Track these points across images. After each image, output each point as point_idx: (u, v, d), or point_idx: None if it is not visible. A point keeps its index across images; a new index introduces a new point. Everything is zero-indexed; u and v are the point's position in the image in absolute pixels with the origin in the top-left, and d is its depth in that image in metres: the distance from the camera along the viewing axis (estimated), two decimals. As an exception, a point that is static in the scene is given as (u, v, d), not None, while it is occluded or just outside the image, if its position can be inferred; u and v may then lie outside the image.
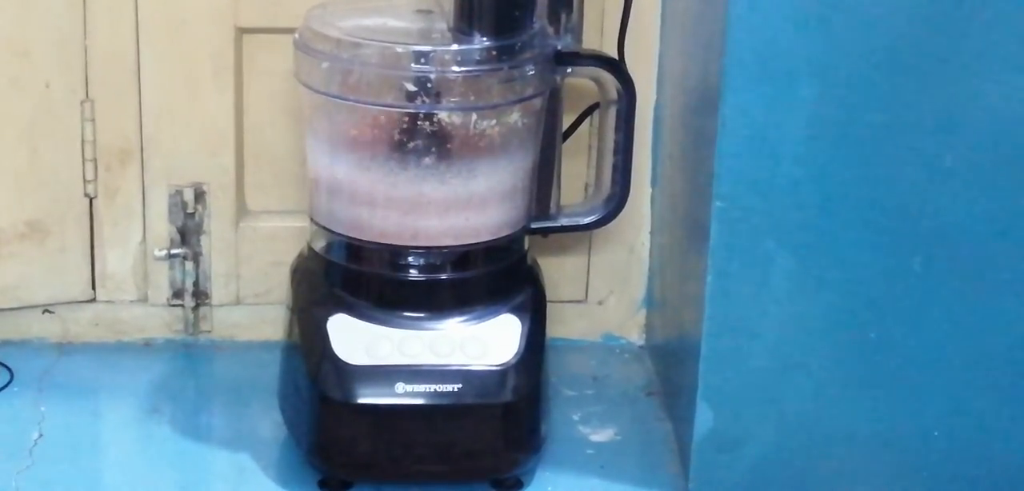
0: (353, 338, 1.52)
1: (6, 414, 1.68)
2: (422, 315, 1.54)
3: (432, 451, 1.52)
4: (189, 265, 1.79)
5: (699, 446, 1.54)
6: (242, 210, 1.80)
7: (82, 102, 1.74)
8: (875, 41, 1.41)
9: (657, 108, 1.78)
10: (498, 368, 1.52)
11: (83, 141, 1.74)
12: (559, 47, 1.57)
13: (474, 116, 1.50)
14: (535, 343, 1.54)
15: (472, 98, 1.50)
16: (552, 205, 1.65)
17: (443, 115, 1.50)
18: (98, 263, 1.79)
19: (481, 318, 1.54)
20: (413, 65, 1.48)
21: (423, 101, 1.49)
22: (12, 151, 1.73)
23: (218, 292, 1.81)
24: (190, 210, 1.78)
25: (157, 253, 1.78)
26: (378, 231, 1.53)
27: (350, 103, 1.51)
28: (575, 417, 1.72)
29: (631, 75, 1.59)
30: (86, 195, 1.77)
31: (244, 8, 1.73)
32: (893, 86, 1.42)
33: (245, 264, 1.81)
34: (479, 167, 1.52)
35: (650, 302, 1.86)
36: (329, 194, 1.55)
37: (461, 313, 1.54)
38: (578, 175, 1.79)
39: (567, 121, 1.71)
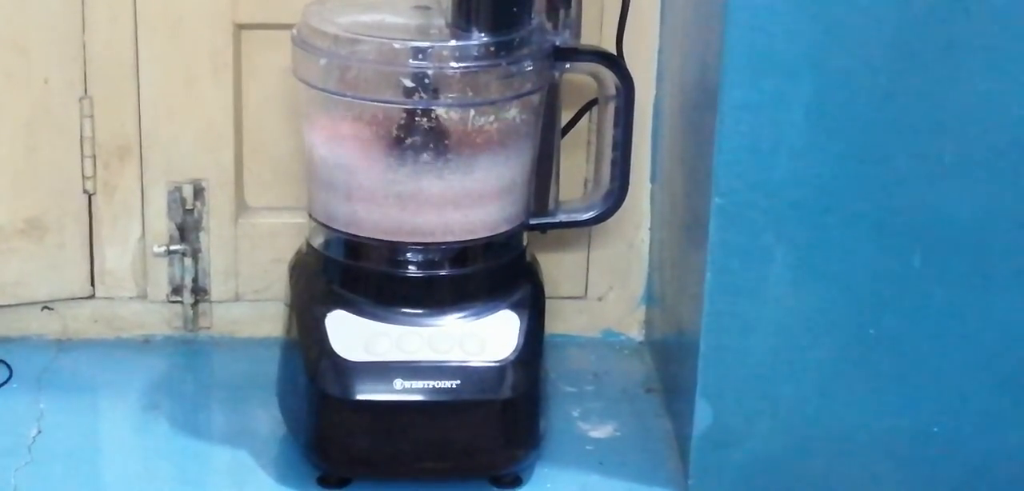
0: (352, 334, 1.51)
1: (5, 411, 1.68)
2: (421, 311, 1.54)
3: (431, 448, 1.52)
4: (188, 262, 1.79)
5: (698, 442, 1.54)
6: (241, 206, 1.80)
7: (81, 99, 1.73)
8: (874, 37, 1.40)
9: (656, 104, 1.78)
10: (497, 364, 1.52)
11: (82, 138, 1.74)
12: (557, 43, 1.57)
13: (472, 112, 1.50)
14: (534, 339, 1.54)
15: (470, 94, 1.50)
16: (551, 201, 1.65)
17: (441, 111, 1.50)
18: (97, 260, 1.79)
19: (480, 314, 1.54)
20: (411, 61, 1.48)
21: (421, 97, 1.49)
22: (11, 148, 1.73)
23: (217, 289, 1.81)
24: (189, 207, 1.78)
25: (156, 250, 1.78)
26: (376, 227, 1.53)
27: (348, 99, 1.51)
28: (574, 413, 1.71)
29: (630, 71, 1.59)
30: (85, 192, 1.77)
31: (242, 4, 1.73)
32: (892, 82, 1.42)
33: (244, 260, 1.81)
34: (477, 163, 1.52)
35: (649, 298, 1.86)
36: (327, 190, 1.55)
37: (460, 309, 1.54)
38: (577, 171, 1.79)
39: (566, 117, 1.70)
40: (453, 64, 1.49)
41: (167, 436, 1.65)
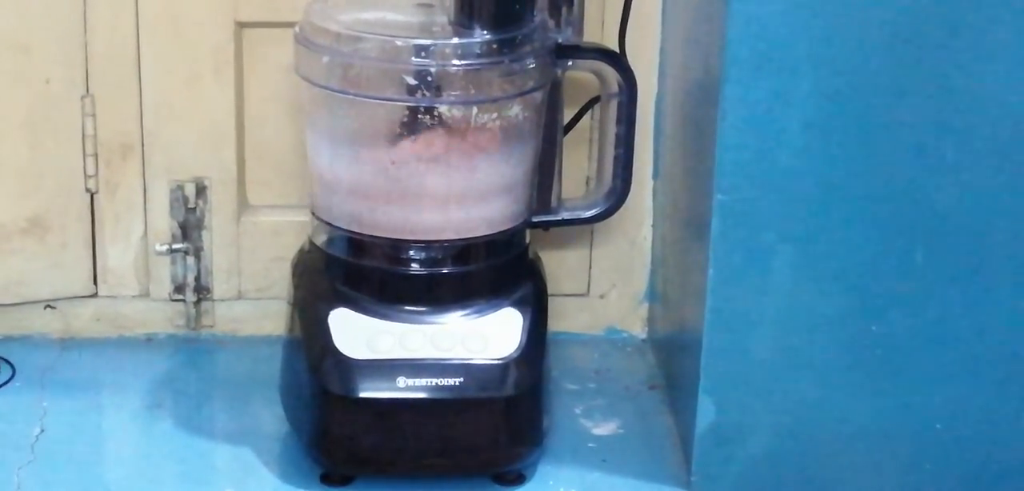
0: (355, 332, 1.51)
1: (8, 410, 1.68)
2: (423, 309, 1.54)
3: (434, 445, 1.52)
4: (190, 260, 1.79)
5: (701, 439, 1.54)
6: (243, 205, 1.80)
7: (83, 97, 1.73)
8: (875, 33, 1.40)
9: (658, 101, 1.78)
10: (500, 362, 1.52)
11: (84, 136, 1.74)
12: (560, 40, 1.57)
13: (474, 110, 1.50)
14: (536, 337, 1.54)
15: (472, 92, 1.50)
16: (553, 199, 1.65)
17: (444, 109, 1.50)
18: (99, 258, 1.80)
19: (482, 312, 1.54)
20: (413, 59, 1.48)
21: (423, 95, 1.49)
22: (13, 147, 1.73)
23: (219, 287, 1.81)
24: (191, 205, 1.78)
25: (158, 248, 1.78)
26: (379, 225, 1.53)
27: (350, 97, 1.51)
28: (577, 411, 1.71)
29: (632, 68, 1.59)
30: (87, 190, 1.77)
31: (244, 2, 1.73)
32: (894, 78, 1.42)
33: (246, 259, 1.81)
34: (480, 161, 1.52)
35: (652, 295, 1.86)
36: (330, 188, 1.55)
37: (462, 307, 1.54)
38: (579, 169, 1.79)
39: (568, 114, 1.70)
40: (455, 62, 1.49)
41: (170, 435, 1.65)
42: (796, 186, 1.45)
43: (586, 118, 1.75)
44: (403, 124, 1.50)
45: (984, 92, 1.42)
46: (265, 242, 1.80)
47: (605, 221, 1.67)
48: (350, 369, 1.50)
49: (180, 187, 1.77)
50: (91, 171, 1.76)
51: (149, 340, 1.83)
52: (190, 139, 1.76)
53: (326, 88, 1.52)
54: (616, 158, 1.61)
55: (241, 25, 1.74)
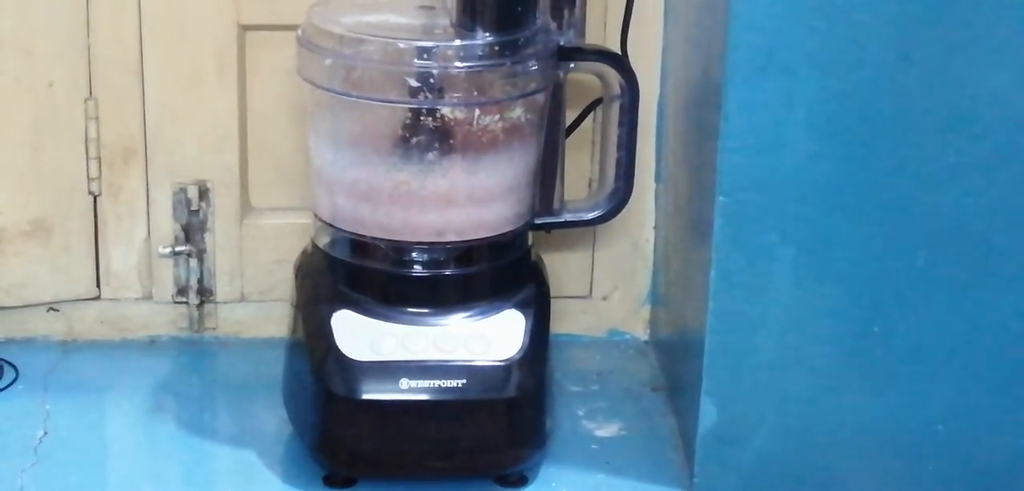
0: (357, 334, 1.52)
1: (11, 412, 1.68)
2: (426, 311, 1.54)
3: (436, 447, 1.52)
4: (193, 262, 1.80)
5: (703, 440, 1.54)
6: (246, 207, 1.80)
7: (86, 100, 1.74)
8: (877, 35, 1.41)
9: (660, 103, 1.78)
10: (502, 364, 1.52)
11: (87, 139, 1.75)
12: (562, 42, 1.57)
13: (477, 112, 1.50)
14: (539, 339, 1.54)
15: (475, 94, 1.50)
16: (556, 201, 1.65)
17: (446, 111, 1.50)
18: (102, 261, 1.80)
19: (485, 314, 1.54)
20: (416, 61, 1.48)
21: (426, 97, 1.49)
22: (16, 150, 1.73)
23: (222, 289, 1.81)
24: (194, 207, 1.78)
25: (161, 250, 1.79)
26: (382, 227, 1.53)
27: (353, 99, 1.51)
28: (580, 412, 1.72)
29: (634, 70, 1.59)
30: (90, 193, 1.77)
31: (247, 5, 1.73)
32: (896, 80, 1.42)
33: (249, 261, 1.81)
34: (482, 163, 1.52)
35: (654, 297, 1.86)
36: (332, 190, 1.55)
37: (465, 309, 1.54)
38: (581, 171, 1.79)
39: (570, 116, 1.71)
40: (458, 64, 1.49)
41: (173, 437, 1.65)
42: (798, 188, 1.45)
43: (588, 120, 1.75)
44: (405, 126, 1.51)
45: (986, 94, 1.42)
46: (268, 244, 1.80)
47: (607, 223, 1.67)
48: (353, 371, 1.50)
49: (183, 190, 1.77)
50: (94, 174, 1.76)
51: (152, 342, 1.83)
52: (193, 142, 1.76)
53: (329, 90, 1.52)
54: (618, 160, 1.61)
55: (244, 28, 1.74)
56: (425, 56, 1.48)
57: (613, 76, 1.58)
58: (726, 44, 1.41)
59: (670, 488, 1.58)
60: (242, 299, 1.82)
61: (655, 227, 1.84)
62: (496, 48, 1.50)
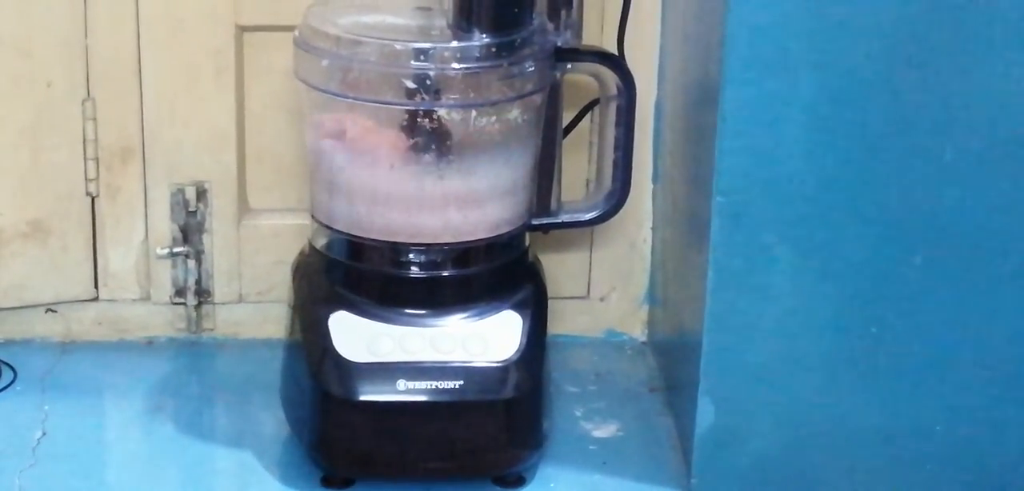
0: (355, 335, 1.52)
1: (9, 413, 1.68)
2: (423, 312, 1.54)
3: (434, 448, 1.53)
4: (191, 263, 1.80)
5: (701, 441, 1.54)
6: (244, 208, 1.80)
7: (84, 101, 1.74)
8: (875, 34, 1.41)
9: (657, 104, 1.78)
10: (500, 365, 1.52)
11: (85, 140, 1.75)
12: (559, 43, 1.57)
13: (474, 113, 1.50)
14: (536, 339, 1.54)
15: (472, 95, 1.50)
16: (553, 201, 1.65)
17: (443, 112, 1.50)
18: (100, 262, 1.80)
19: (482, 315, 1.54)
20: (413, 62, 1.48)
21: (423, 98, 1.49)
22: (14, 151, 1.73)
23: (220, 290, 1.81)
24: (192, 208, 1.78)
25: (159, 251, 1.79)
26: (379, 228, 1.53)
27: (350, 100, 1.51)
28: (577, 413, 1.72)
29: (631, 71, 1.59)
30: (88, 194, 1.77)
31: (244, 6, 1.73)
32: (893, 80, 1.42)
33: (247, 262, 1.81)
34: (479, 164, 1.52)
35: (652, 298, 1.86)
36: (330, 192, 1.55)
37: (462, 310, 1.54)
38: (579, 171, 1.79)
39: (567, 117, 1.71)
40: (455, 65, 1.49)
41: (171, 438, 1.65)
42: (795, 188, 1.45)
43: (585, 121, 1.75)
44: (403, 127, 1.51)
45: (983, 93, 1.42)
46: (265, 245, 1.80)
47: (605, 223, 1.67)
48: (350, 372, 1.50)
49: (181, 190, 1.77)
50: (92, 175, 1.76)
51: (150, 343, 1.83)
52: (191, 143, 1.76)
53: (326, 91, 1.52)
54: (615, 161, 1.61)
55: (241, 28, 1.74)
56: (422, 57, 1.49)
57: (610, 77, 1.58)
58: (723, 44, 1.41)
59: (668, 488, 1.58)
60: (240, 300, 1.82)
61: (652, 227, 1.84)
62: (493, 49, 1.50)
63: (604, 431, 1.69)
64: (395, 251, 1.54)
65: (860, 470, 1.55)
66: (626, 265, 1.86)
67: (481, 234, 1.55)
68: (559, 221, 1.65)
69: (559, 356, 1.78)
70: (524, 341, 1.53)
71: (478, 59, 1.49)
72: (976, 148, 1.43)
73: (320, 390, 1.51)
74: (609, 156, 1.61)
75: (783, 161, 1.44)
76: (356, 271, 1.56)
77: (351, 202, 1.54)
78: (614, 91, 1.59)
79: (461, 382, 1.51)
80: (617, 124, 1.60)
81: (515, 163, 1.55)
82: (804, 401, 1.52)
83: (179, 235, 1.79)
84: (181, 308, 1.82)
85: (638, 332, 1.88)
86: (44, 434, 1.64)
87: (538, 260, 1.66)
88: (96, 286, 1.81)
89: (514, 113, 1.53)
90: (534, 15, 1.54)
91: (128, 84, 1.74)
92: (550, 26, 1.57)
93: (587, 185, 1.79)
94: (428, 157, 1.51)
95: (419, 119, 1.50)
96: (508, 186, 1.55)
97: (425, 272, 1.55)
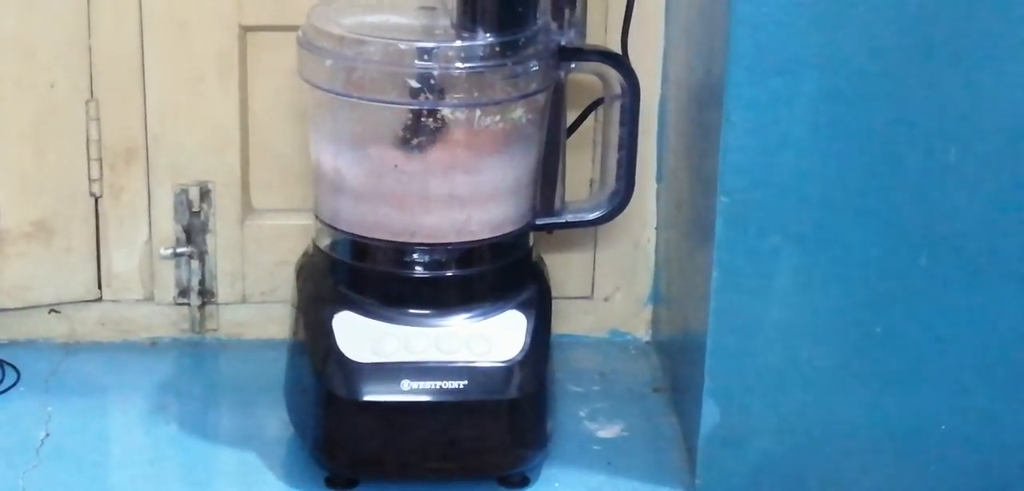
0: (359, 335, 1.52)
1: (13, 414, 1.68)
2: (427, 312, 1.54)
3: (438, 448, 1.52)
4: (195, 264, 1.80)
5: (706, 441, 1.53)
6: (247, 208, 1.80)
7: (87, 102, 1.74)
8: (879, 34, 1.40)
9: (661, 103, 1.78)
10: (504, 364, 1.52)
11: (88, 141, 1.75)
12: (563, 43, 1.57)
13: (478, 112, 1.50)
14: (541, 339, 1.54)
15: (475, 94, 1.50)
16: (557, 201, 1.65)
17: (447, 111, 1.50)
18: (104, 262, 1.80)
19: (486, 315, 1.54)
20: (417, 61, 1.48)
21: (427, 98, 1.49)
22: (18, 151, 1.73)
23: (224, 291, 1.81)
24: (195, 209, 1.78)
25: (163, 252, 1.79)
26: (383, 228, 1.53)
27: (354, 100, 1.51)
28: (582, 413, 1.72)
29: (635, 70, 1.59)
30: (91, 195, 1.77)
31: (248, 6, 1.73)
32: (897, 80, 1.42)
33: (251, 262, 1.81)
34: (483, 163, 1.52)
35: (656, 298, 1.86)
36: (334, 192, 1.55)
37: (466, 310, 1.54)
38: (583, 171, 1.79)
39: (571, 117, 1.70)
40: (458, 64, 1.49)
41: (175, 438, 1.65)
42: (800, 188, 1.45)
43: (589, 120, 1.75)
44: (406, 127, 1.50)
45: (988, 93, 1.42)
46: (269, 245, 1.80)
47: (609, 223, 1.67)
48: (354, 372, 1.50)
49: (184, 191, 1.77)
50: (95, 175, 1.76)
51: (153, 344, 1.83)
52: (194, 143, 1.76)
53: (329, 91, 1.52)
54: (619, 160, 1.61)
55: (245, 29, 1.74)
56: (426, 57, 1.48)
57: (614, 76, 1.58)
58: (727, 43, 1.41)
59: (672, 489, 1.58)
60: (243, 300, 1.82)
61: (656, 227, 1.84)
62: (497, 49, 1.50)
63: (608, 431, 1.69)
64: (399, 251, 1.54)
65: (865, 469, 1.54)
66: (630, 265, 1.86)
67: (485, 234, 1.55)
68: (563, 221, 1.65)
69: (563, 356, 1.78)
70: (528, 341, 1.53)
71: (482, 58, 1.49)
72: (981, 148, 1.43)
73: (324, 390, 1.51)
74: (613, 156, 1.61)
75: (788, 161, 1.44)
76: (360, 271, 1.56)
77: (355, 202, 1.54)
78: (618, 90, 1.59)
79: (465, 382, 1.50)
80: (621, 123, 1.60)
81: (519, 163, 1.55)
82: (809, 401, 1.52)
83: (183, 235, 1.79)
84: (185, 308, 1.82)
85: (642, 332, 1.88)
86: (48, 434, 1.64)
87: (542, 260, 1.66)
88: (100, 287, 1.81)
89: (518, 112, 1.52)
90: (538, 14, 1.54)
91: (132, 84, 1.74)
92: (554, 25, 1.57)
93: (591, 185, 1.79)
94: (432, 157, 1.50)
95: (423, 119, 1.50)
96: (512, 186, 1.55)
97: (429, 272, 1.55)
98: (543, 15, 1.55)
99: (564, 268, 1.82)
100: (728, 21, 1.40)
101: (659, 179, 1.81)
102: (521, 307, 1.55)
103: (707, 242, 1.49)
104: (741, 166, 1.44)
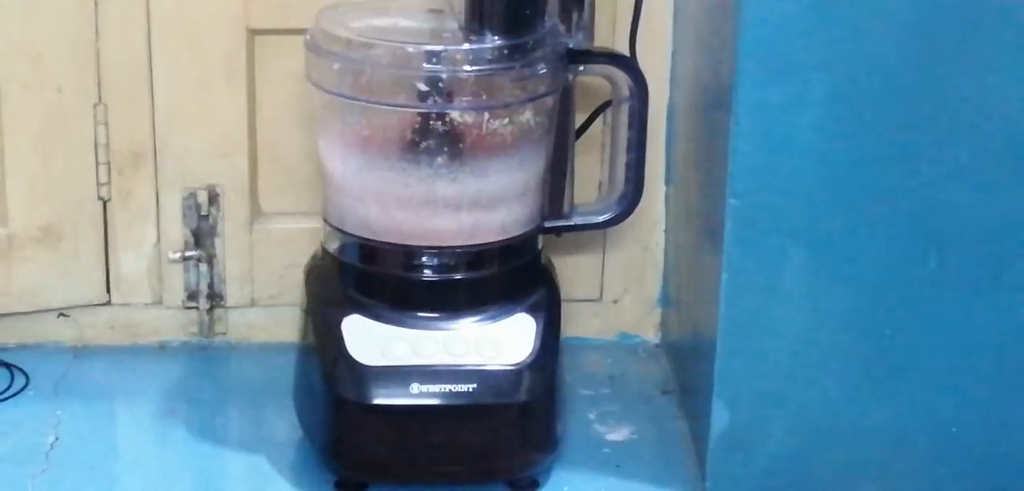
0: (368, 339, 1.51)
1: (22, 418, 1.68)
2: (436, 315, 1.54)
3: (447, 451, 1.52)
4: (203, 267, 1.80)
5: (715, 444, 1.53)
6: (256, 212, 1.80)
7: (95, 106, 1.74)
8: (888, 37, 1.40)
9: (670, 106, 1.78)
10: (513, 368, 1.52)
11: (96, 145, 1.75)
12: (571, 45, 1.57)
13: (486, 115, 1.50)
14: (550, 342, 1.54)
15: (484, 97, 1.50)
16: (565, 204, 1.65)
17: (455, 115, 1.50)
18: (112, 266, 1.80)
19: (495, 318, 1.54)
20: (425, 65, 1.48)
21: (435, 101, 1.49)
22: (26, 156, 1.73)
23: (232, 294, 1.81)
24: (204, 212, 1.78)
25: (171, 256, 1.79)
26: (391, 232, 1.53)
27: (362, 103, 1.51)
28: (591, 416, 1.71)
29: (643, 72, 1.59)
30: (100, 198, 1.77)
31: (255, 10, 1.73)
32: (907, 82, 1.42)
33: (259, 266, 1.81)
34: (491, 166, 1.52)
35: (665, 300, 1.86)
36: (342, 195, 1.55)
37: (475, 313, 1.54)
38: (591, 173, 1.79)
39: (579, 119, 1.70)
40: (467, 67, 1.49)
41: (184, 442, 1.65)
42: (809, 190, 1.45)
43: (598, 123, 1.75)
44: (415, 130, 1.50)
45: (997, 95, 1.41)
46: (278, 249, 1.80)
47: (618, 226, 1.67)
48: (363, 376, 1.50)
49: (192, 195, 1.77)
50: (104, 179, 1.76)
51: (162, 348, 1.83)
52: (202, 147, 1.76)
53: (337, 95, 1.52)
54: (628, 163, 1.61)
55: (253, 32, 1.74)
56: (434, 60, 1.48)
57: (622, 79, 1.58)
58: (736, 46, 1.41)
59: (682, 492, 1.59)
60: (252, 304, 1.82)
61: (665, 230, 1.83)
62: (505, 51, 1.49)
63: (618, 434, 1.68)
64: (408, 254, 1.54)
65: (874, 471, 1.54)
66: (639, 267, 1.85)
67: (494, 237, 1.55)
68: (572, 224, 1.65)
69: (572, 359, 1.78)
70: (537, 344, 1.53)
71: (490, 61, 1.49)
72: (990, 149, 1.43)
73: (333, 394, 1.51)
74: (622, 158, 1.61)
75: (796, 163, 1.44)
76: (369, 274, 1.56)
77: (363, 205, 1.53)
78: (626, 93, 1.58)
79: (474, 385, 1.50)
80: (629, 126, 1.59)
81: (527, 165, 1.55)
82: (818, 403, 1.52)
83: (191, 239, 1.79)
84: (193, 312, 1.82)
85: (651, 335, 1.88)
86: (57, 439, 1.64)
87: (551, 263, 1.65)
88: (108, 290, 1.81)
89: (526, 115, 1.52)
90: (546, 17, 1.54)
91: (139, 88, 1.74)
92: (562, 28, 1.57)
93: (600, 187, 1.78)
94: (440, 160, 1.50)
95: (431, 122, 1.50)
96: (520, 189, 1.55)
97: (438, 275, 1.55)
98: (551, 18, 1.55)
99: (573, 271, 1.82)
100: (737, 23, 1.40)
101: (668, 182, 1.81)
102: (530, 310, 1.55)
103: (716, 244, 1.49)
104: (750, 168, 1.44)
